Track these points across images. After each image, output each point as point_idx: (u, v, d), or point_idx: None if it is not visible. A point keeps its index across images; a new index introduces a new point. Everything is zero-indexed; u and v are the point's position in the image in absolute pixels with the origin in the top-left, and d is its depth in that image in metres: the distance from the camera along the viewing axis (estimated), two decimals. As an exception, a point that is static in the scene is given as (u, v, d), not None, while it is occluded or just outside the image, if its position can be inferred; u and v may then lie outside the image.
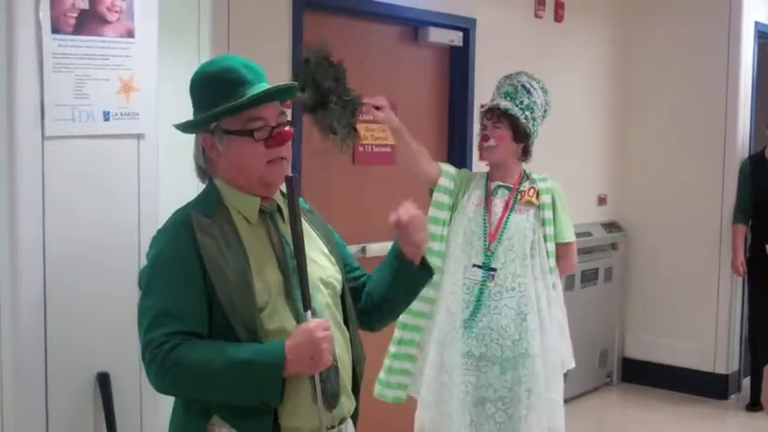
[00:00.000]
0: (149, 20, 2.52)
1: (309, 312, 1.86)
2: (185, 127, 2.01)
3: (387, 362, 3.35)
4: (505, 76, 3.35)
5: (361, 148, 4.10)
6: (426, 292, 3.26)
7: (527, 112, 3.23)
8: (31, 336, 2.29)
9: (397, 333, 3.33)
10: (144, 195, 2.52)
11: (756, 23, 5.60)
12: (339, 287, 2.04)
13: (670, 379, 5.65)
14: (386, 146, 4.20)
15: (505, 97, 3.25)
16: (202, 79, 1.98)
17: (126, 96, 2.47)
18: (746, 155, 5.54)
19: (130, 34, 2.47)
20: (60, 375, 2.34)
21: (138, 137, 2.51)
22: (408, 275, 2.10)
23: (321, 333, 1.83)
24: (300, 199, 2.11)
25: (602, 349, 5.66)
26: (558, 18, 5.12)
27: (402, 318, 3.24)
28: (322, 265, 2.01)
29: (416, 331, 3.31)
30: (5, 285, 2.29)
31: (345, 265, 2.14)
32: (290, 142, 1.98)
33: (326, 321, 1.88)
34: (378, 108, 3.10)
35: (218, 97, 1.93)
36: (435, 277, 3.27)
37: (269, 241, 1.94)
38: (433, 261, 3.26)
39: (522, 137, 3.25)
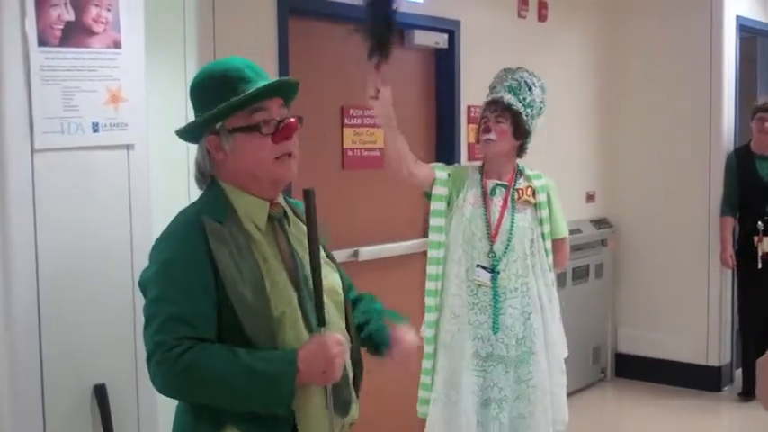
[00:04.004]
0: (136, 30, 2.52)
1: (323, 329, 1.85)
2: (189, 131, 1.95)
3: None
4: (505, 70, 3.32)
5: (350, 153, 4.11)
6: (430, 300, 3.28)
7: (528, 109, 3.22)
8: (26, 349, 2.28)
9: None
10: (135, 205, 2.52)
11: (738, 17, 5.64)
12: (341, 293, 2.03)
13: (663, 373, 5.67)
14: (374, 149, 4.20)
15: (509, 91, 3.22)
16: (207, 80, 1.94)
17: (114, 107, 2.46)
18: (732, 148, 5.58)
19: (117, 45, 2.47)
20: (57, 388, 2.33)
21: (128, 147, 2.51)
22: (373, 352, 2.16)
23: (336, 349, 1.81)
24: (297, 201, 2.08)
25: (595, 345, 5.68)
26: (542, 17, 5.15)
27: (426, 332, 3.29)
28: (324, 273, 1.96)
29: (430, 343, 3.32)
30: (-1, 300, 2.28)
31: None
32: (296, 138, 1.94)
33: (341, 337, 1.87)
34: (377, 93, 2.99)
35: (221, 96, 1.88)
36: (436, 285, 3.27)
37: (278, 249, 1.90)
38: (432, 269, 3.26)
39: (521, 134, 3.25)
